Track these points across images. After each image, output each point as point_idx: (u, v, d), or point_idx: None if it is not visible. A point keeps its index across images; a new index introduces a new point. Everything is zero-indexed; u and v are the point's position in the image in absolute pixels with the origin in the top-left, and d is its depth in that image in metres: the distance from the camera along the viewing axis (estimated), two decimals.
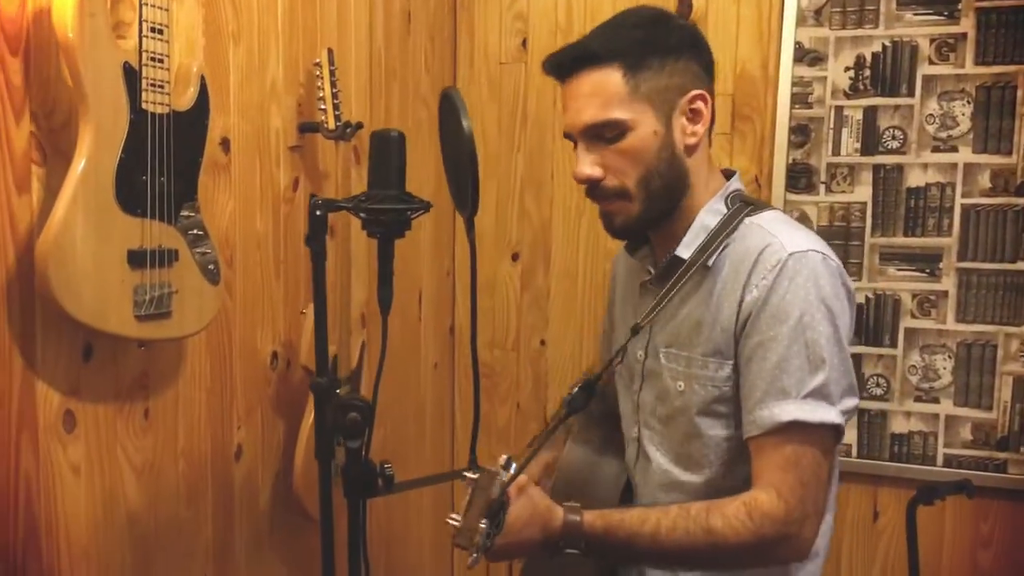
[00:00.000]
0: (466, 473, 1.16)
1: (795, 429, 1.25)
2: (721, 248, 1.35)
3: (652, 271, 1.45)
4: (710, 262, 1.34)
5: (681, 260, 1.37)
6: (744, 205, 1.38)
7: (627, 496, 1.51)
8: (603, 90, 1.32)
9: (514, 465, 1.14)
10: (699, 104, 1.35)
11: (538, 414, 2.69)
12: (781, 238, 1.31)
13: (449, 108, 1.15)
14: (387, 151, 1.14)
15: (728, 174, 1.45)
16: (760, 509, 1.23)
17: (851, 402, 1.31)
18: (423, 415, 2.59)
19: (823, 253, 1.31)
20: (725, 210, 1.38)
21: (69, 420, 1.39)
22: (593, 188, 1.36)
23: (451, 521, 1.16)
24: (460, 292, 2.76)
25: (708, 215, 1.38)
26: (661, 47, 1.34)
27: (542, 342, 2.67)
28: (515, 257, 2.69)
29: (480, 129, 2.66)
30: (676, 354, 1.39)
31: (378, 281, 1.16)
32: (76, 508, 1.41)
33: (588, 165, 1.34)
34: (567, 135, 1.39)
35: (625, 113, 1.31)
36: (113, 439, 1.47)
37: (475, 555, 1.13)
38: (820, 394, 1.26)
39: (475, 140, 1.12)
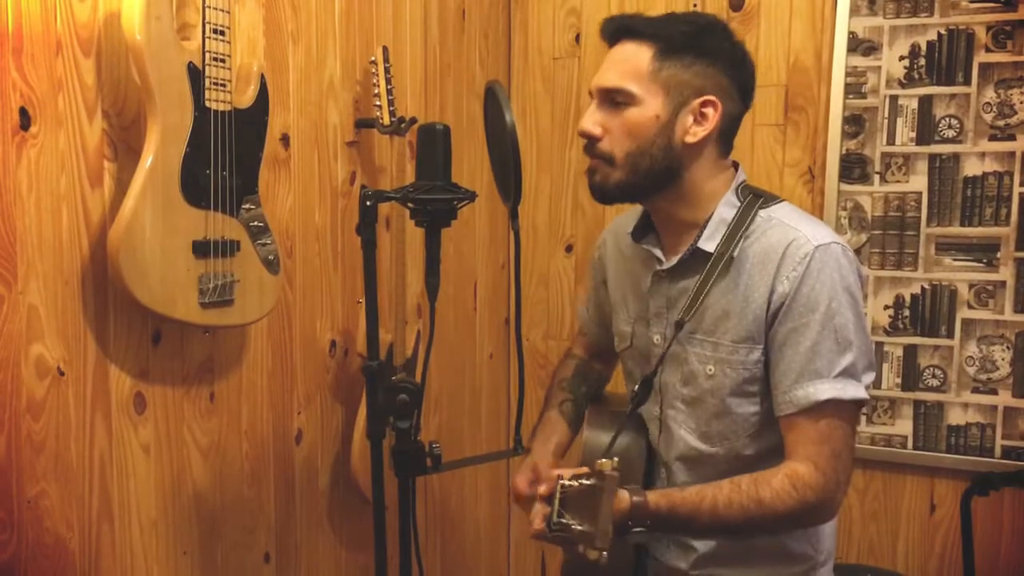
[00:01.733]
0: (575, 481, 1.19)
1: (829, 406, 1.36)
2: (741, 239, 1.43)
3: (663, 259, 1.51)
4: (736, 253, 1.43)
5: (705, 252, 1.45)
6: (755, 197, 1.47)
7: (649, 467, 1.58)
8: (629, 62, 1.42)
9: (615, 460, 1.18)
10: (708, 110, 1.42)
11: None
12: (804, 232, 1.41)
13: (493, 101, 1.19)
14: (433, 143, 1.18)
15: (734, 165, 1.52)
16: (802, 480, 1.34)
17: (871, 376, 1.43)
18: (479, 405, 2.64)
19: (842, 245, 1.41)
20: (738, 203, 1.46)
21: (139, 402, 1.47)
22: (589, 145, 1.45)
23: (577, 526, 1.18)
24: (515, 284, 2.80)
25: (725, 208, 1.46)
26: (698, 48, 1.42)
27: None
28: (569, 249, 2.72)
29: (534, 124, 2.71)
30: (702, 340, 1.46)
31: (425, 269, 1.21)
32: (147, 485, 1.50)
33: (591, 122, 1.44)
34: (590, 92, 1.48)
35: (637, 88, 1.41)
36: (180, 421, 1.56)
37: (605, 553, 1.17)
38: (848, 373, 1.38)
39: (519, 132, 1.16)
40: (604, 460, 1.16)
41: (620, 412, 1.61)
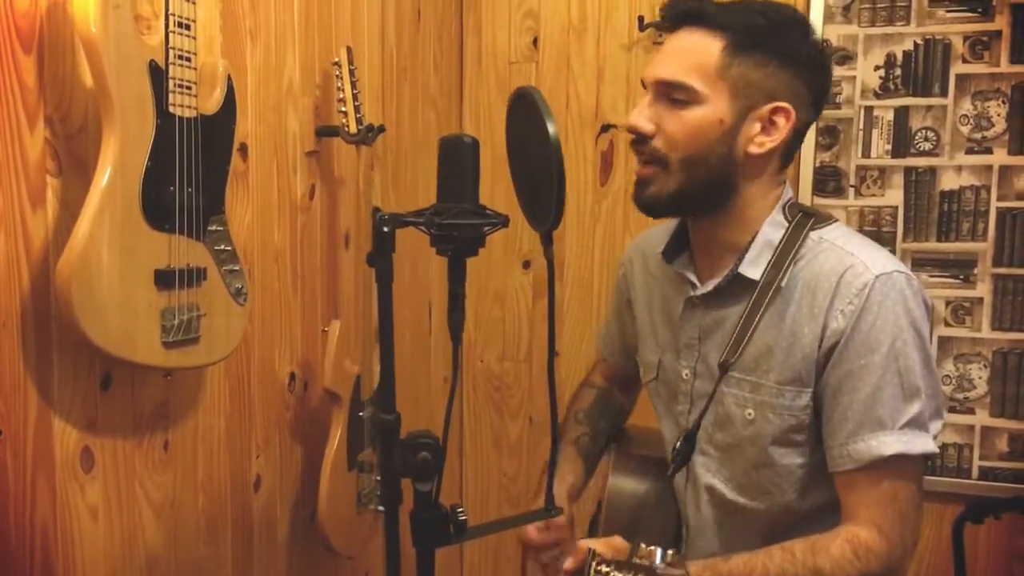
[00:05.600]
0: (613, 568, 1.04)
1: (893, 462, 1.22)
2: (790, 265, 1.27)
3: (697, 284, 1.36)
4: (784, 282, 1.26)
5: (748, 280, 1.29)
6: (805, 217, 1.31)
7: (678, 523, 1.44)
8: (695, 52, 1.25)
9: (669, 552, 1.02)
10: (779, 118, 1.26)
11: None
12: (861, 258, 1.25)
13: (528, 108, 1.01)
14: (460, 159, 1.01)
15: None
16: (864, 547, 1.21)
17: (939, 424, 1.28)
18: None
19: (906, 273, 1.26)
20: (786, 223, 1.30)
21: (87, 458, 1.25)
22: (639, 141, 1.29)
23: None
24: (470, 304, 2.64)
25: (771, 229, 1.30)
26: (774, 46, 1.24)
27: (556, 353, 2.55)
28: (526, 265, 2.57)
29: (488, 132, 2.54)
30: (740, 379, 1.30)
31: (448, 304, 1.04)
32: (95, 553, 1.27)
33: (644, 118, 1.27)
34: (643, 82, 1.31)
35: (702, 85, 1.24)
36: (132, 476, 1.34)
37: None
38: (916, 423, 1.23)
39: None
40: (652, 547, 1.01)
41: (649, 456, 1.47)
